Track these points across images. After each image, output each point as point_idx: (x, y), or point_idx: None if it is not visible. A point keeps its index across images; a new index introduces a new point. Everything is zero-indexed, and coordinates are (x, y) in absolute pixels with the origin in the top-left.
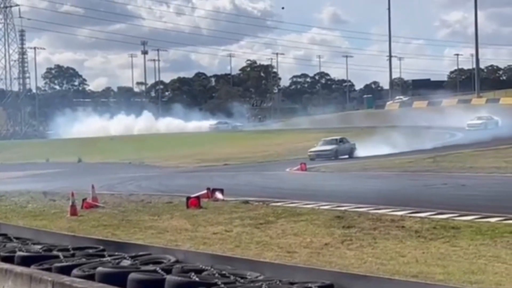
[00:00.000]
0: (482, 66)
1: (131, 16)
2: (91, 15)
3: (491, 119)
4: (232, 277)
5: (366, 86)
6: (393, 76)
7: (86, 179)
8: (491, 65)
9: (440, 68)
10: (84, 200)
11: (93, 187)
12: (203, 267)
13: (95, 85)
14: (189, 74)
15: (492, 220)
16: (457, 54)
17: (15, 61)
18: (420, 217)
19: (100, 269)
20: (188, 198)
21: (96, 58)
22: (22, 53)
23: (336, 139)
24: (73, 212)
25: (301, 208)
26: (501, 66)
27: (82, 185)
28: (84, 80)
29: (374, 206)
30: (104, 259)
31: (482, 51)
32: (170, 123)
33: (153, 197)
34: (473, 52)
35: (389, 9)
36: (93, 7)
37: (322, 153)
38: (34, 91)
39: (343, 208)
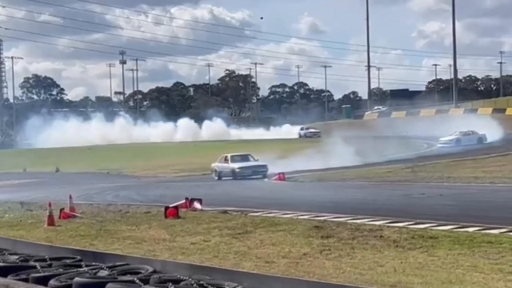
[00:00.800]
0: (460, 76)
1: (110, 26)
2: (69, 24)
3: (471, 134)
4: (210, 287)
5: (345, 96)
6: (372, 86)
7: (64, 189)
8: (469, 76)
9: (418, 78)
10: (61, 210)
11: (70, 197)
12: (181, 277)
13: (73, 94)
14: (167, 83)
15: (470, 229)
16: (435, 65)
17: None
18: (399, 227)
19: (77, 279)
20: (167, 208)
21: (74, 67)
22: (0, 62)
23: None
24: (51, 222)
25: (279, 218)
26: (479, 76)
27: (59, 195)
28: (62, 89)
29: (352, 216)
30: (82, 269)
31: (460, 61)
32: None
33: (131, 207)
34: (451, 62)
35: (367, 19)
36: (72, 17)
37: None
38: (11, 100)
39: (321, 218)
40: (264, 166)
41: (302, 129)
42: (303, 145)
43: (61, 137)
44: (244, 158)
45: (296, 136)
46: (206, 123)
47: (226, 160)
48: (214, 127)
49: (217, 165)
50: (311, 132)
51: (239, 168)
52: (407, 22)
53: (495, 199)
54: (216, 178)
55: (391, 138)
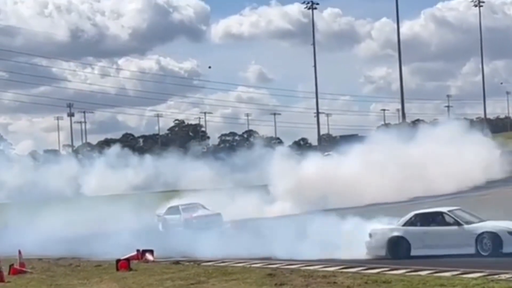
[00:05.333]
0: (408, 120)
1: (56, 78)
2: (15, 78)
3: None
4: None
5: (295, 142)
6: (321, 132)
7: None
8: (417, 119)
9: (367, 123)
10: (11, 266)
11: (20, 252)
12: None
13: (20, 148)
14: (116, 135)
15: (423, 273)
16: (384, 109)
17: None
18: (352, 272)
19: None
20: (118, 260)
21: (20, 121)
22: None
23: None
24: (0, 278)
25: (232, 267)
26: (427, 120)
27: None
28: (10, 144)
29: (306, 263)
30: None
31: (408, 105)
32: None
33: (82, 261)
34: (399, 107)
35: (315, 66)
36: (17, 71)
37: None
38: None
39: (274, 266)
40: (219, 215)
41: None
42: None
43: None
44: (195, 207)
45: None
46: None
47: (174, 209)
48: None
49: (164, 215)
50: None
51: (195, 217)
52: (354, 68)
53: None
54: (162, 229)
55: None
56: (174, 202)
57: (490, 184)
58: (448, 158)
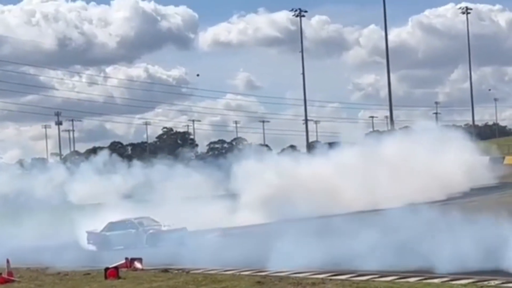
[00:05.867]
0: (396, 127)
1: (44, 87)
2: (2, 87)
3: None
4: None
5: (284, 150)
6: (310, 140)
7: None
8: (405, 126)
9: (355, 130)
10: None
11: (8, 261)
12: None
13: (8, 157)
14: (104, 143)
15: (411, 280)
16: (372, 117)
17: None
18: (341, 280)
19: None
20: (107, 269)
21: (8, 130)
22: None
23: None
24: None
25: (221, 275)
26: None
27: None
28: None
29: (294, 270)
30: None
31: (396, 112)
32: None
33: (70, 269)
34: (388, 114)
35: (303, 73)
36: (5, 79)
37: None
38: None
39: (263, 273)
40: (184, 229)
41: None
42: None
43: None
44: (149, 220)
45: None
46: None
47: (124, 224)
48: None
49: (104, 232)
50: None
51: (162, 232)
52: (343, 75)
53: None
54: (97, 248)
55: None
56: (113, 217)
57: (479, 191)
58: (433, 164)
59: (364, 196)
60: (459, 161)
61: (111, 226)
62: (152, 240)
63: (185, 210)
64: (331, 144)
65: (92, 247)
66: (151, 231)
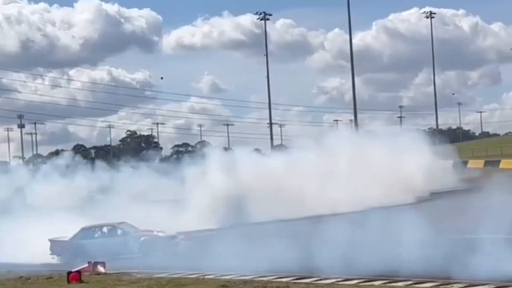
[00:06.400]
0: (361, 131)
1: (6, 89)
2: None
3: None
4: None
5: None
6: (275, 143)
7: None
8: (373, 131)
9: (320, 133)
10: None
11: None
12: None
13: None
14: (67, 146)
15: (376, 283)
16: (337, 120)
17: None
18: (306, 283)
19: None
20: (69, 272)
21: None
22: None
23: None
24: None
25: (185, 279)
26: (381, 130)
27: None
28: None
29: (259, 274)
30: None
31: (361, 116)
32: None
33: (32, 273)
34: (352, 117)
35: (268, 77)
36: None
37: None
38: None
39: (228, 277)
40: (175, 237)
41: None
42: None
43: None
44: (131, 226)
45: None
46: None
47: (104, 230)
48: None
49: (78, 240)
50: None
51: (154, 238)
52: (307, 79)
53: None
54: (59, 260)
55: None
56: (85, 223)
57: (443, 195)
58: (396, 167)
59: (325, 199)
60: (422, 165)
61: (86, 233)
62: (146, 248)
63: (132, 214)
64: (293, 147)
65: (57, 259)
66: (143, 238)
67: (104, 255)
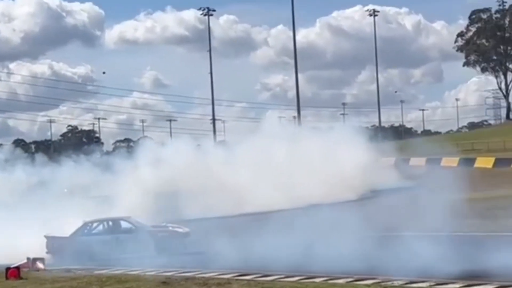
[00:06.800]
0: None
1: None
2: None
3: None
4: None
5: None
6: (218, 139)
7: None
8: (314, 127)
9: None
10: None
11: None
12: None
13: None
14: (7, 140)
15: (317, 280)
16: (280, 117)
17: None
18: (247, 280)
19: None
20: (8, 268)
21: None
22: None
23: None
24: None
25: (126, 275)
26: (322, 127)
27: None
28: None
29: (200, 270)
30: None
31: (304, 113)
32: None
33: None
34: (295, 114)
35: (211, 73)
36: None
37: None
38: None
39: (169, 274)
40: (188, 234)
41: None
42: None
43: None
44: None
45: None
46: None
47: (110, 225)
48: None
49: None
50: None
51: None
52: (251, 75)
53: None
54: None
55: None
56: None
57: (385, 192)
58: (338, 165)
59: (265, 196)
60: (363, 162)
61: (91, 229)
62: (163, 246)
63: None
64: (234, 143)
65: (55, 257)
66: (160, 234)
67: (114, 254)
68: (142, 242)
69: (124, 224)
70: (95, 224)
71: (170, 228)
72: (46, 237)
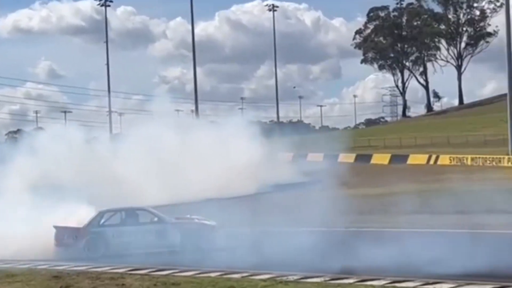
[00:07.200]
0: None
1: None
2: None
3: None
4: None
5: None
6: (114, 131)
7: None
8: (212, 121)
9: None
10: None
11: None
12: None
13: None
14: None
15: (213, 274)
16: (178, 110)
17: None
18: (141, 274)
19: None
20: None
21: None
22: None
23: None
24: None
25: (16, 269)
26: (219, 121)
27: None
28: None
29: (93, 264)
30: None
31: (202, 107)
32: None
33: None
34: (193, 107)
35: (107, 64)
36: None
37: None
38: None
39: (60, 268)
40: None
41: None
42: None
43: None
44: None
45: None
46: None
47: (131, 214)
48: None
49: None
50: None
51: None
52: (149, 68)
53: None
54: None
55: None
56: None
57: (283, 187)
58: (232, 159)
59: (160, 189)
60: (259, 157)
61: (109, 219)
62: (191, 239)
63: None
64: (128, 136)
65: (68, 248)
66: (187, 225)
67: (134, 247)
68: (167, 235)
69: (144, 215)
70: (114, 214)
71: (197, 220)
72: (55, 227)
